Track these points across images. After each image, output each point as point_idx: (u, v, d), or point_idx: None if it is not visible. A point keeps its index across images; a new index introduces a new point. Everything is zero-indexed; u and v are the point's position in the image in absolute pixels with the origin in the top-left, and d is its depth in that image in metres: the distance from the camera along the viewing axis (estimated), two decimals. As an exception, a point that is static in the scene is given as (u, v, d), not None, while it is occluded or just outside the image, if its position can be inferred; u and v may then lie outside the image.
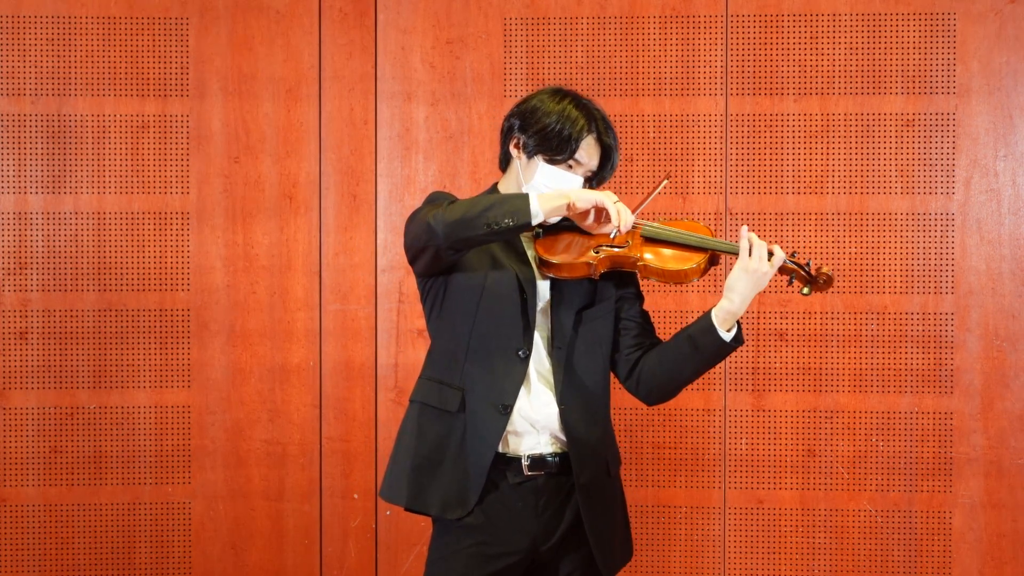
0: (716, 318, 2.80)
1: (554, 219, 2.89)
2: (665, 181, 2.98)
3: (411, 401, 2.94)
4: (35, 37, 4.38)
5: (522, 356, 2.84)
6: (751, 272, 2.78)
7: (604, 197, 2.75)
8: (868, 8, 4.34)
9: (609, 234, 2.78)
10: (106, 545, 4.42)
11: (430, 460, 2.87)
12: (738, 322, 2.83)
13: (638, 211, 2.89)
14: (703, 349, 2.82)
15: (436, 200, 2.89)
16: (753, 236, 2.80)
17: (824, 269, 2.85)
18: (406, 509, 2.91)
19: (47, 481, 4.40)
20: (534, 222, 2.72)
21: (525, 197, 2.73)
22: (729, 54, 4.37)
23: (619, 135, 4.43)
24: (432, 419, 2.88)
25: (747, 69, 4.37)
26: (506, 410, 2.82)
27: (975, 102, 4.32)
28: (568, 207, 2.75)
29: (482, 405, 2.83)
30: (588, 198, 2.75)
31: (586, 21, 4.39)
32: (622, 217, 2.75)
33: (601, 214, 2.78)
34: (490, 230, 2.71)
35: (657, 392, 2.92)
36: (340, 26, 4.42)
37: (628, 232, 2.85)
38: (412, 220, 2.85)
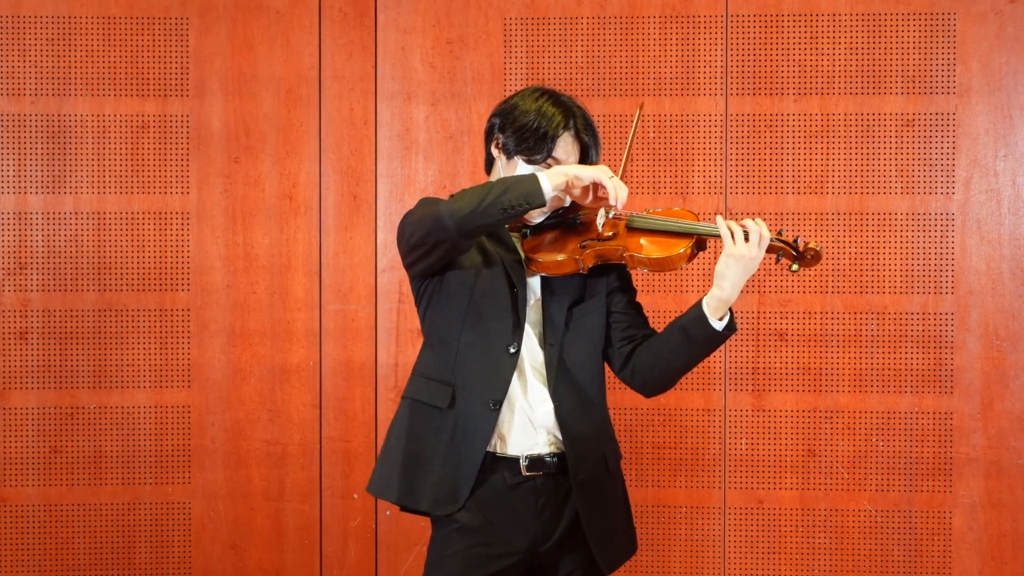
0: (707, 307, 2.79)
1: (538, 219, 2.89)
2: (639, 111, 3.01)
3: (403, 398, 2.95)
4: (35, 37, 4.38)
5: (511, 352, 2.84)
6: (738, 257, 2.75)
7: (601, 173, 2.74)
8: (868, 8, 4.34)
9: (605, 214, 2.79)
10: (106, 545, 4.42)
11: (420, 456, 2.87)
12: (731, 309, 2.81)
13: (624, 160, 2.95)
14: (696, 339, 2.81)
15: (430, 203, 2.90)
16: (732, 222, 2.78)
17: (812, 244, 2.82)
18: (396, 504, 2.91)
19: (47, 481, 4.40)
20: (547, 200, 2.73)
21: (534, 178, 2.72)
22: (729, 54, 4.37)
23: (619, 135, 4.44)
24: (422, 415, 2.88)
25: (747, 69, 4.37)
26: (496, 406, 2.82)
27: (975, 102, 4.32)
28: (568, 184, 2.75)
29: (472, 401, 2.83)
30: (588, 175, 2.74)
31: (586, 21, 4.39)
32: (619, 193, 2.73)
33: (598, 190, 2.77)
34: (505, 215, 2.71)
35: (653, 384, 2.91)
36: (340, 26, 4.42)
37: (613, 223, 2.85)
38: (410, 220, 2.84)
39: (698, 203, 4.36)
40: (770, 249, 2.82)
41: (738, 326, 2.87)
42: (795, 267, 2.84)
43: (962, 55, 4.31)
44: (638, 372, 2.91)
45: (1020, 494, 4.32)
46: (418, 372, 2.93)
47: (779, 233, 2.83)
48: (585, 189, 2.77)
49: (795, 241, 2.82)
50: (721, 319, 2.80)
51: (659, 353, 2.87)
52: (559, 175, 2.73)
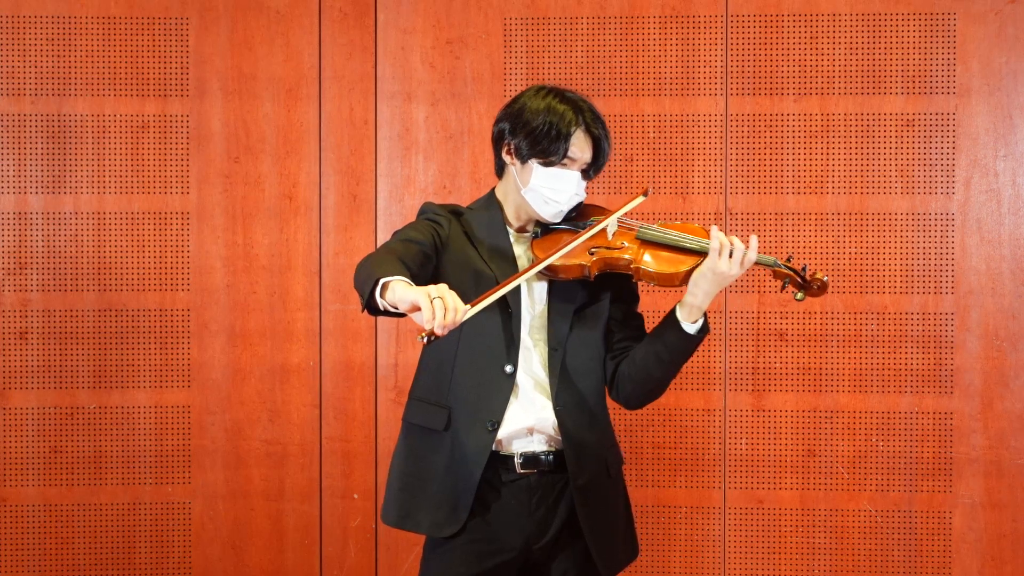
0: (679, 313, 2.79)
1: (556, 221, 2.89)
2: (642, 198, 2.86)
3: (402, 421, 2.94)
4: (35, 37, 4.38)
5: (508, 372, 2.83)
6: (713, 269, 2.75)
7: (420, 297, 2.43)
8: (868, 8, 4.34)
9: (421, 338, 2.44)
10: (106, 545, 4.42)
11: (418, 479, 2.86)
12: (705, 313, 2.81)
13: (567, 249, 2.76)
14: (670, 344, 2.81)
15: (423, 212, 2.91)
16: (723, 236, 2.76)
17: (819, 275, 2.82)
18: (396, 528, 2.91)
19: (47, 481, 4.40)
20: (368, 303, 2.56)
21: (374, 283, 2.53)
22: (729, 54, 4.37)
23: (619, 135, 4.44)
24: (420, 439, 2.88)
25: (747, 69, 4.37)
26: (494, 427, 2.81)
27: (975, 102, 4.32)
28: (395, 303, 2.51)
29: (469, 423, 2.82)
30: (404, 298, 2.45)
31: (586, 21, 4.38)
32: (436, 317, 2.40)
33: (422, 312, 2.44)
34: (364, 301, 2.58)
35: (635, 395, 2.89)
36: (340, 26, 4.42)
37: (623, 234, 2.84)
38: None
39: (698, 203, 4.36)
40: (776, 275, 2.83)
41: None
42: (800, 296, 2.83)
43: (962, 55, 4.31)
44: (619, 383, 2.90)
45: (1020, 494, 4.32)
46: (414, 396, 2.92)
47: (788, 260, 2.83)
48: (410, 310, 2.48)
49: (803, 270, 2.82)
50: (695, 323, 2.79)
51: (635, 361, 2.85)
52: (392, 292, 2.50)
